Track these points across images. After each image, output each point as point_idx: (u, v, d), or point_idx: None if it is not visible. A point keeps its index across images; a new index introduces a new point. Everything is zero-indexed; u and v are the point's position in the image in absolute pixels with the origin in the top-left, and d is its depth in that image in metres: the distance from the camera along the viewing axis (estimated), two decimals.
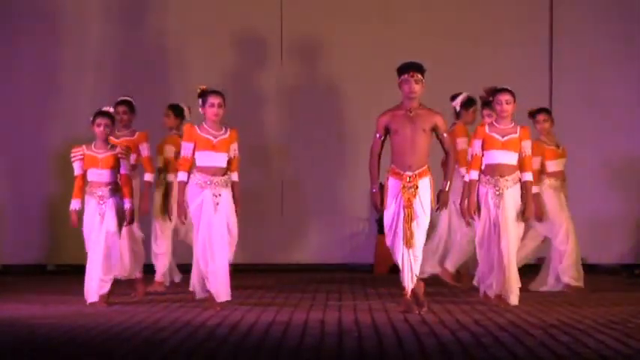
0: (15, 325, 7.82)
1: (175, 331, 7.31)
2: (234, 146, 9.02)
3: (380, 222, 13.22)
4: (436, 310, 8.54)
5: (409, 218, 8.35)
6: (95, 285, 9.13)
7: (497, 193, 8.94)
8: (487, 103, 9.73)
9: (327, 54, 13.40)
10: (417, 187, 8.39)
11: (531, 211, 9.09)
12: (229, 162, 8.99)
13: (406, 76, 8.49)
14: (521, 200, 8.97)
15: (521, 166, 9.03)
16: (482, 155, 9.03)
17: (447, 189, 8.52)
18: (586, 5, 13.35)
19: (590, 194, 12.81)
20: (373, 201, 8.65)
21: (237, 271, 10.48)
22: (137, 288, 9.99)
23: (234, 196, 8.99)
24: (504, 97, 9.06)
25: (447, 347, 6.50)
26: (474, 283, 9.47)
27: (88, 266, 9.20)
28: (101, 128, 9.21)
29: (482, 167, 9.04)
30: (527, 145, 9.04)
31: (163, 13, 13.29)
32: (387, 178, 8.54)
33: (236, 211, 8.98)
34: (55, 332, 7.31)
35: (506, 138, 9.00)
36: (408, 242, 8.35)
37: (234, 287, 9.08)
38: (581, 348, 6.39)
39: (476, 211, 8.98)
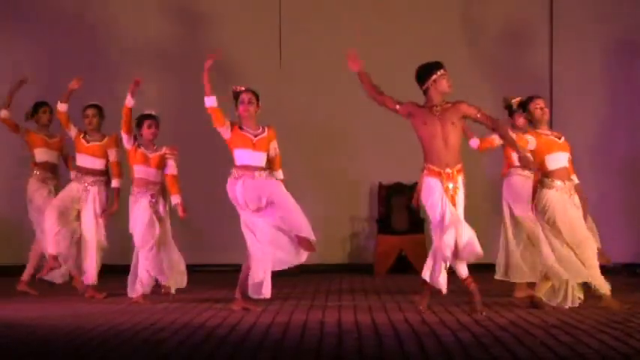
0: (14, 326, 7.80)
1: (174, 332, 7.29)
2: (274, 144, 8.97)
3: (380, 222, 13.23)
4: (437, 310, 8.52)
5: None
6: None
7: (570, 196, 8.84)
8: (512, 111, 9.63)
9: (326, 54, 13.38)
10: (456, 183, 8.38)
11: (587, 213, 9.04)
12: (271, 160, 8.95)
13: (442, 71, 8.50)
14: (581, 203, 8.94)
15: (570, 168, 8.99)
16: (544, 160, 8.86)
17: (525, 154, 8.47)
18: (586, 4, 13.34)
19: (591, 193, 12.76)
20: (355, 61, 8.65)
21: (236, 271, 10.45)
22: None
23: None
24: (541, 103, 8.98)
25: (447, 347, 6.47)
26: None
27: (140, 265, 9.49)
28: (152, 129, 9.57)
29: (549, 174, 8.85)
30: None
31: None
32: (424, 178, 8.45)
33: None
34: (54, 334, 7.30)
35: (562, 140, 8.91)
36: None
37: (233, 287, 9.06)
38: (583, 348, 6.36)
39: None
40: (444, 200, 8.35)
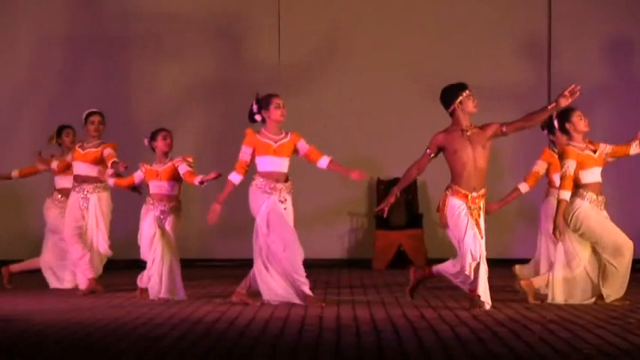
0: (12, 321, 7.80)
1: (173, 327, 7.29)
2: (302, 142, 8.85)
3: (378, 217, 13.23)
4: (435, 305, 8.52)
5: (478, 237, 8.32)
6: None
7: (601, 209, 8.78)
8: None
9: (326, 53, 13.39)
10: (480, 208, 8.34)
11: None
12: (309, 155, 8.88)
13: (467, 92, 8.38)
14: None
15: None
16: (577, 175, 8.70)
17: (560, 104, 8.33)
18: (584, 6, 13.34)
19: None
20: (388, 198, 8.59)
21: (236, 266, 10.50)
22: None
23: (338, 168, 8.97)
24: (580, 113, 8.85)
25: (445, 342, 6.47)
26: None
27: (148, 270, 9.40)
28: (168, 141, 9.47)
29: (583, 186, 8.70)
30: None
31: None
32: (448, 197, 8.36)
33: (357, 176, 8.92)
34: (52, 328, 7.30)
35: (597, 154, 8.83)
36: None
37: (234, 282, 9.05)
38: (581, 343, 6.36)
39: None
40: (469, 221, 8.29)
